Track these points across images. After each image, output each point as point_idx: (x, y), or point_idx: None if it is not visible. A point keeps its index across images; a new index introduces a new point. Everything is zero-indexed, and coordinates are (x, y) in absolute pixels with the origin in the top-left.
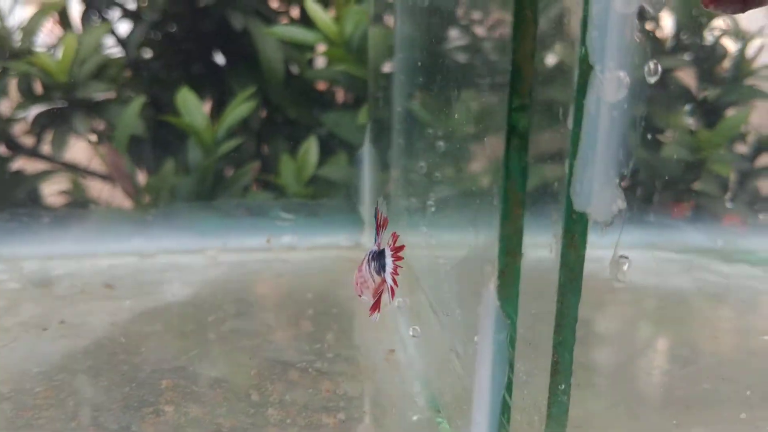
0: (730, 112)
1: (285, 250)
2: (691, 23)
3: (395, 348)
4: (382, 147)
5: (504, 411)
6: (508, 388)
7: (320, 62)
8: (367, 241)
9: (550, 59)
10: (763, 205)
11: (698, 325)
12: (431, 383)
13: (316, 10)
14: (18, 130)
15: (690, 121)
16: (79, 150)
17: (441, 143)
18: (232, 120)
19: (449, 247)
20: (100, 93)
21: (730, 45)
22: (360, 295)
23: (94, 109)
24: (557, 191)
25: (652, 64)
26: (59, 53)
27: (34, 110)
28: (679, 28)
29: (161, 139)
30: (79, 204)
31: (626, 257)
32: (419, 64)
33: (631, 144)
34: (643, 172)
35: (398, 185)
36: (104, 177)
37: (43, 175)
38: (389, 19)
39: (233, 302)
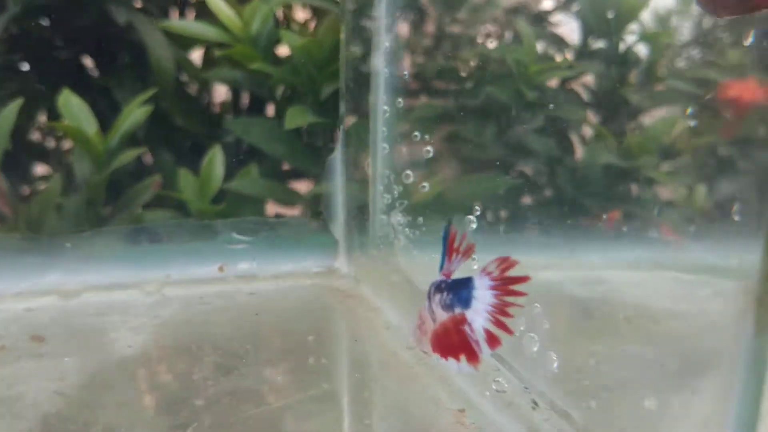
0: (645, 118)
1: (245, 280)
2: (603, 27)
3: (464, 407)
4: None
5: None
6: None
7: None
8: (341, 265)
9: None
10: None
11: None
12: None
13: (218, 4)
14: None
15: (612, 127)
16: None
17: None
18: (127, 127)
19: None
20: None
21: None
22: (422, 348)
23: None
24: None
25: None
26: None
27: None
28: (589, 32)
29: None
30: None
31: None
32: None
33: None
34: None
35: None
36: None
37: None
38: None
39: (211, 352)
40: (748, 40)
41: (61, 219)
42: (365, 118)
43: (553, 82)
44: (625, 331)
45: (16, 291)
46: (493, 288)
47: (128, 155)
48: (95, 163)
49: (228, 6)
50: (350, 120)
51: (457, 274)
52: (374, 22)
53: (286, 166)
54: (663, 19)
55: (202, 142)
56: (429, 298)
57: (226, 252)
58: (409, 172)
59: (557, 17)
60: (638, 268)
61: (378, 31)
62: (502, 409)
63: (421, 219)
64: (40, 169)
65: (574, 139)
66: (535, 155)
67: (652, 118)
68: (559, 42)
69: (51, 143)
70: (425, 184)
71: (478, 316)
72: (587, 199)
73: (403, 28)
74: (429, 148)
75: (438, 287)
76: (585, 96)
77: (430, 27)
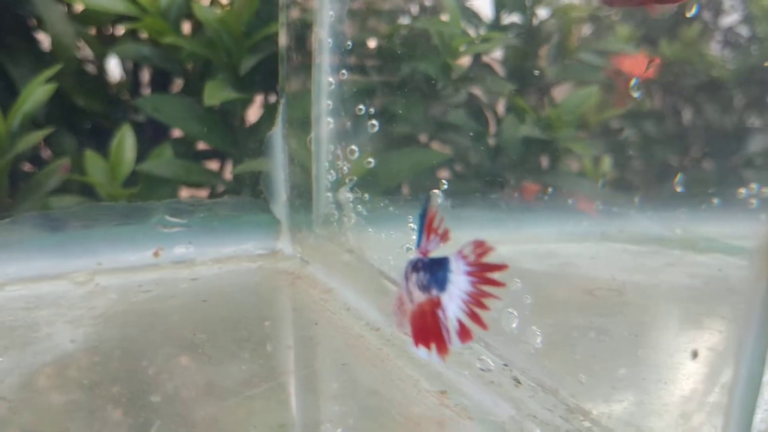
0: (558, 91)
1: (183, 265)
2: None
3: (445, 388)
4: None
5: None
6: None
7: None
8: (284, 246)
9: None
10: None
11: None
12: None
13: None
14: None
15: (528, 101)
16: None
17: None
18: (29, 108)
19: None
20: None
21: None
22: (404, 332)
23: None
24: None
25: None
26: None
27: None
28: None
29: None
30: None
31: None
32: None
33: None
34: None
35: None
36: None
37: None
38: None
39: (163, 342)
40: (692, 11)
41: None
42: (307, 90)
43: (468, 58)
44: (591, 303)
45: None
46: (470, 274)
47: (33, 137)
48: None
49: None
50: (291, 93)
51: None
52: None
53: (201, 146)
54: None
55: (103, 123)
56: (406, 277)
57: (159, 236)
58: (354, 147)
59: None
60: (586, 240)
61: (321, 1)
62: (484, 388)
63: (367, 195)
64: None
65: (495, 113)
66: (464, 129)
67: (565, 90)
68: (474, 16)
69: None
70: (371, 159)
71: (452, 302)
72: (516, 172)
73: None
74: (374, 122)
75: (415, 266)
76: (500, 70)
77: None
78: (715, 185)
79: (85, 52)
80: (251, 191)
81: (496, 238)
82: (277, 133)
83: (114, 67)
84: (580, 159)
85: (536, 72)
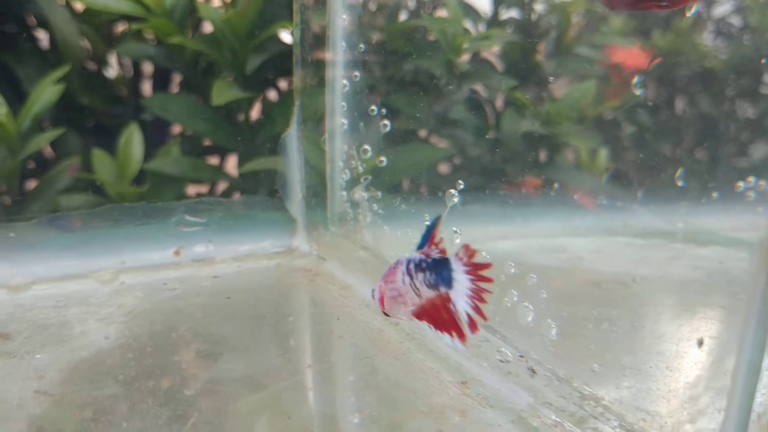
0: (557, 86)
1: (204, 263)
2: None
3: (466, 379)
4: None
5: None
6: None
7: None
8: (300, 244)
9: None
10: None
11: None
12: None
13: None
14: None
15: (528, 95)
16: None
17: None
18: (38, 109)
19: None
20: None
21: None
22: (386, 313)
23: None
24: None
25: None
26: None
27: None
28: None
29: None
30: None
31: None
32: None
33: None
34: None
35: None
36: None
37: None
38: None
39: (192, 339)
40: (692, 10)
41: None
42: (321, 92)
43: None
44: (599, 295)
45: None
46: (468, 273)
47: (45, 137)
48: (8, 148)
49: None
50: (306, 94)
51: None
52: None
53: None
54: None
55: (106, 122)
56: (410, 274)
57: (180, 235)
58: (367, 147)
59: None
60: (591, 235)
61: (334, 6)
62: (503, 378)
63: (380, 193)
64: None
65: (494, 109)
66: (469, 126)
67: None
68: (473, 12)
69: None
70: (383, 158)
71: (460, 298)
72: (521, 168)
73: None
74: (386, 122)
75: (419, 266)
76: (498, 65)
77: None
78: (714, 179)
79: (89, 51)
80: (267, 188)
81: (504, 233)
82: (292, 133)
83: (117, 67)
84: (584, 152)
85: (537, 67)
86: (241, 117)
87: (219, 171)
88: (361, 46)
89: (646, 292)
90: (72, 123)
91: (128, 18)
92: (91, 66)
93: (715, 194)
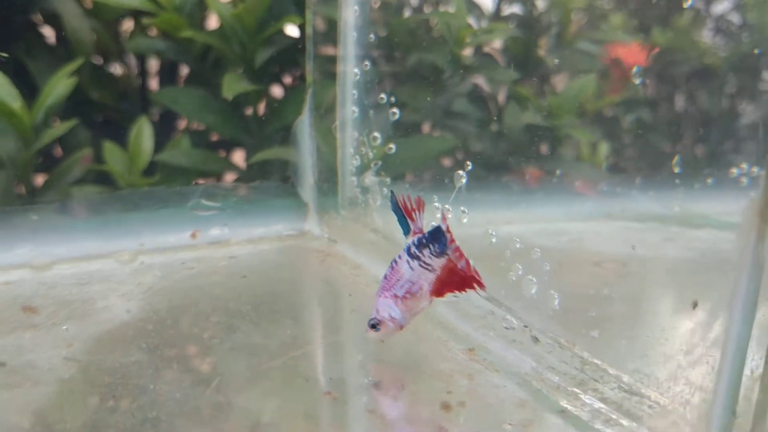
0: (557, 79)
1: (219, 245)
2: None
3: (473, 347)
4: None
5: None
6: None
7: None
8: (312, 227)
9: None
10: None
11: None
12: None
13: None
14: None
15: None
16: None
17: None
18: (52, 101)
19: None
20: None
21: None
22: (393, 318)
23: None
24: None
25: None
26: None
27: None
28: None
29: None
30: None
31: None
32: None
33: None
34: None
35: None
36: None
37: None
38: None
39: (211, 312)
40: (688, 2)
41: None
42: (332, 81)
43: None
44: (598, 273)
45: None
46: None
47: (59, 129)
48: (22, 140)
49: None
50: (318, 83)
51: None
52: None
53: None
54: None
55: (114, 115)
56: (415, 257)
57: (196, 219)
58: (377, 134)
59: None
60: (591, 219)
61: None
62: (508, 345)
63: (389, 179)
64: None
65: (496, 102)
66: (474, 117)
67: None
68: (475, 7)
69: None
70: (392, 145)
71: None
72: (524, 157)
73: None
74: (395, 110)
75: (420, 244)
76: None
77: None
78: (709, 166)
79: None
80: (278, 177)
81: (508, 218)
82: (304, 121)
83: (125, 61)
84: (584, 144)
85: (539, 61)
86: (249, 110)
87: (228, 162)
88: (371, 36)
89: (642, 270)
90: (81, 116)
91: (135, 13)
92: (101, 61)
93: (709, 180)
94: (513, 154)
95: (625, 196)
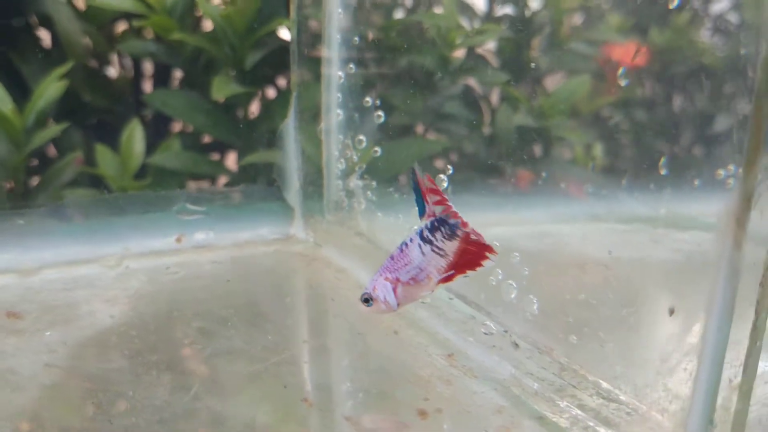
0: (549, 80)
1: (204, 250)
2: None
3: (452, 352)
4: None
5: None
6: None
7: None
8: (297, 231)
9: None
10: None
11: None
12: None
13: None
14: None
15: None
16: None
17: None
18: (43, 104)
19: None
20: None
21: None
22: (397, 304)
23: None
24: None
25: None
26: None
27: None
28: None
29: None
30: None
31: None
32: None
33: None
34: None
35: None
36: None
37: None
38: None
39: (193, 317)
40: (674, 3)
41: None
42: (317, 84)
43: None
44: (581, 276)
45: None
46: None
47: (50, 132)
48: (13, 143)
49: None
50: (302, 86)
51: None
52: None
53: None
54: None
55: (106, 117)
56: (428, 241)
57: (181, 223)
58: (362, 137)
59: None
60: (577, 221)
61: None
62: (487, 351)
63: (375, 182)
64: None
65: (489, 104)
66: (462, 119)
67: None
68: (467, 8)
69: None
70: (377, 148)
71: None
72: (511, 159)
73: None
74: (380, 113)
75: (433, 227)
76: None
77: None
78: (696, 167)
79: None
80: (265, 180)
81: (494, 220)
82: (289, 124)
83: (117, 64)
84: (572, 146)
85: (532, 63)
86: (240, 112)
87: (219, 165)
88: (356, 39)
89: (626, 273)
90: (75, 119)
91: (127, 16)
92: (93, 63)
93: (696, 182)
94: (501, 155)
95: (611, 198)
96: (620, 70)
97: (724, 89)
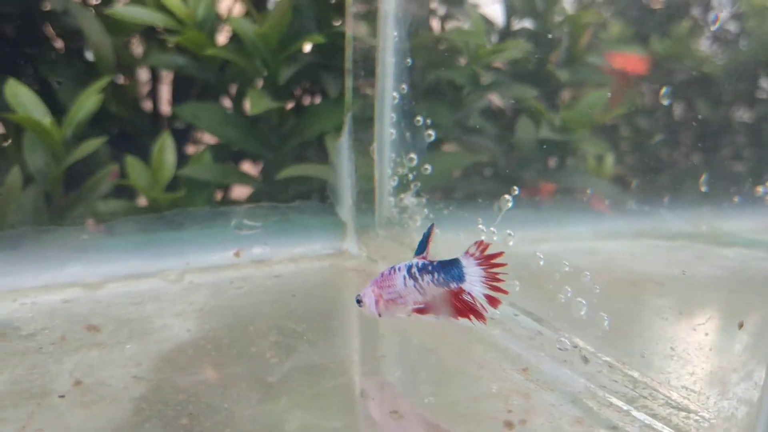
0: (568, 94)
1: (262, 264)
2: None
3: (526, 367)
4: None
5: None
6: None
7: None
8: (350, 246)
9: None
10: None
11: None
12: None
13: None
14: None
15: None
16: None
17: None
18: (81, 117)
19: None
20: None
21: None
22: (379, 314)
23: None
24: None
25: None
26: None
27: None
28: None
29: None
30: None
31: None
32: None
33: None
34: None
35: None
36: None
37: None
38: None
39: (268, 332)
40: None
41: (19, 214)
42: (371, 104)
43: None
44: (636, 292)
45: (40, 284)
46: (480, 265)
47: (90, 145)
48: (53, 155)
49: None
50: (357, 106)
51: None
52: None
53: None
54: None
55: (130, 129)
56: (413, 277)
57: (238, 238)
58: (413, 155)
59: None
60: (621, 238)
61: (385, 22)
62: (559, 366)
63: (425, 200)
64: None
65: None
66: (496, 134)
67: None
68: (487, 23)
69: None
70: (428, 166)
71: (475, 286)
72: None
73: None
74: (431, 131)
75: (425, 269)
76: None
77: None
78: (736, 184)
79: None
80: (294, 195)
81: (541, 237)
82: (343, 143)
83: (142, 77)
84: (608, 162)
85: (556, 75)
86: (270, 125)
87: (248, 176)
88: (408, 60)
89: (678, 290)
90: (100, 131)
91: (149, 30)
92: (119, 76)
93: (736, 198)
94: (544, 171)
95: (654, 215)
96: (663, 90)
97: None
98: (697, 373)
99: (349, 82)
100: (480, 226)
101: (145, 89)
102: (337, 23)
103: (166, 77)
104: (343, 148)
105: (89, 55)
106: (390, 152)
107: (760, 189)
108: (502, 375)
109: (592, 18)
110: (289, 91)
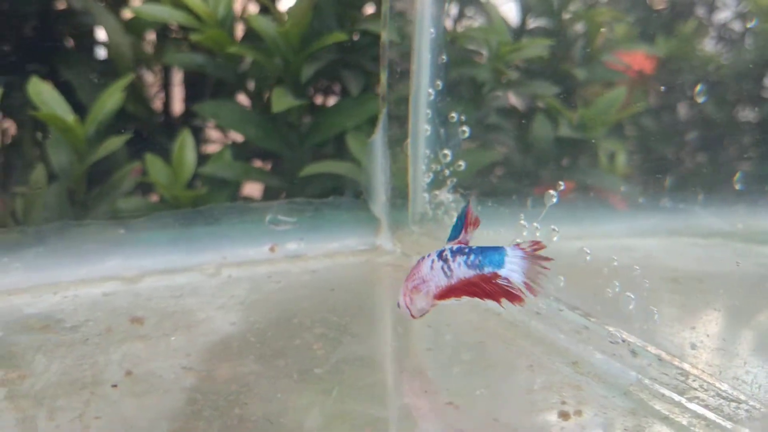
0: (586, 91)
1: (297, 259)
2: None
3: (576, 360)
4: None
5: None
6: None
7: None
8: (385, 242)
9: None
10: None
11: None
12: None
13: None
14: None
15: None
16: None
17: None
18: (103, 115)
19: None
20: None
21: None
22: (406, 305)
23: None
24: None
25: None
26: None
27: None
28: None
29: None
30: None
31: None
32: None
33: None
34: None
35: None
36: None
37: None
38: None
39: (311, 325)
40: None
41: (43, 210)
42: (405, 100)
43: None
44: (680, 288)
45: (79, 278)
46: (525, 258)
47: (113, 142)
48: (76, 152)
49: None
50: (392, 102)
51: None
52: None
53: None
54: None
55: (146, 127)
56: (443, 259)
57: (273, 233)
58: (447, 151)
59: None
60: (656, 235)
61: (422, 20)
62: (609, 359)
63: (459, 195)
64: None
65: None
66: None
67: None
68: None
69: None
70: (461, 162)
71: (515, 274)
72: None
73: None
74: (465, 128)
75: (459, 251)
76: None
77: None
78: None
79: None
80: (316, 193)
81: (577, 234)
82: (378, 139)
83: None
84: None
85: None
86: (288, 123)
87: (268, 174)
88: (443, 57)
89: (721, 286)
90: (119, 129)
91: (162, 29)
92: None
93: None
94: (575, 169)
95: (689, 212)
96: (698, 87)
97: None
98: (749, 365)
99: (384, 78)
100: (522, 221)
101: (158, 88)
102: (358, 21)
103: (177, 76)
104: (377, 144)
105: (101, 54)
106: (424, 148)
107: None
108: (552, 368)
109: (608, 16)
110: (310, 89)
